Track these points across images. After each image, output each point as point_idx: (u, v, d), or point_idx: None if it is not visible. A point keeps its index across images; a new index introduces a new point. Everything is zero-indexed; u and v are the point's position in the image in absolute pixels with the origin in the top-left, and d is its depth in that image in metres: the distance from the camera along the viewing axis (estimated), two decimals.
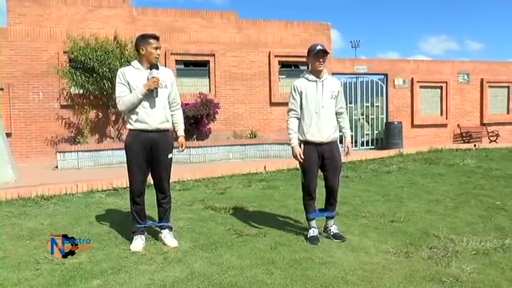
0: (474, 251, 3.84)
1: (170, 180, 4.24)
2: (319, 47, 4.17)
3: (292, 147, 4.23)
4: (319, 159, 4.20)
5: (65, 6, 12.56)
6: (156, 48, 3.96)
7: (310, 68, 4.30)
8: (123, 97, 3.95)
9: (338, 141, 4.37)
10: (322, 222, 4.45)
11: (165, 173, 4.13)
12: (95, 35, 11.73)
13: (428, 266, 3.51)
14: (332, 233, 4.29)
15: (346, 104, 4.70)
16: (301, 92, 4.20)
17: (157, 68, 3.96)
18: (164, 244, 4.05)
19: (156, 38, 3.99)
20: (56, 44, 11.95)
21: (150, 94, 3.91)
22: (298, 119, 4.24)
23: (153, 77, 3.88)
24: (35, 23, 12.25)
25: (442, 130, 15.97)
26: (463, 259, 3.63)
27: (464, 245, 3.98)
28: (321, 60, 4.16)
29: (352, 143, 4.68)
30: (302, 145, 4.21)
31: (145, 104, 3.93)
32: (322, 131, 4.15)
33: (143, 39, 3.97)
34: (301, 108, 4.21)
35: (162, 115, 4.00)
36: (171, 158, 4.14)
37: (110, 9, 12.91)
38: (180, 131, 4.29)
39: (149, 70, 3.95)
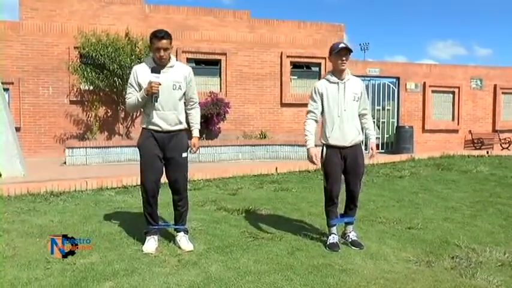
0: (499, 262, 3.71)
1: (186, 182, 4.09)
2: (342, 45, 3.99)
3: (307, 149, 4.07)
4: (342, 163, 4.07)
5: (77, 2, 12.54)
6: (159, 49, 3.72)
7: (332, 68, 4.13)
8: (128, 99, 3.91)
9: (362, 145, 4.23)
10: (339, 227, 4.32)
11: (180, 173, 3.97)
12: (107, 31, 11.67)
13: (453, 277, 3.38)
14: (350, 240, 4.16)
15: None
16: (322, 94, 4.05)
17: (158, 72, 3.75)
18: (179, 247, 3.93)
19: (160, 36, 3.70)
20: (67, 39, 11.90)
21: (162, 98, 3.79)
22: (317, 121, 4.11)
23: (150, 82, 3.70)
24: (47, 17, 12.22)
25: (453, 136, 15.77)
26: (488, 270, 3.50)
27: (488, 256, 3.85)
28: (344, 58, 3.97)
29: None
30: (325, 149, 4.08)
31: (158, 106, 3.80)
32: (345, 135, 4.01)
33: (151, 38, 3.77)
34: (323, 111, 4.07)
35: (175, 117, 3.87)
36: (186, 157, 3.99)
37: (122, 5, 12.86)
38: (195, 132, 4.12)
39: (150, 73, 3.77)
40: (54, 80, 11.91)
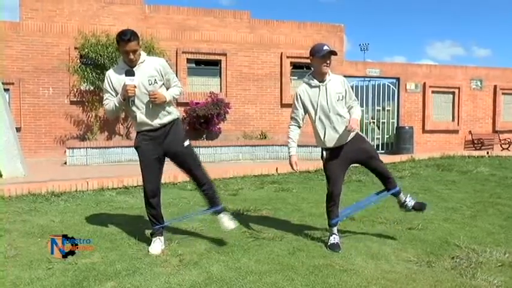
0: (499, 262, 3.70)
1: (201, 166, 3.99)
2: (326, 48, 3.87)
3: (289, 156, 4.07)
4: (349, 158, 4.04)
5: (77, 2, 12.54)
6: (127, 52, 3.59)
7: (313, 70, 4.03)
8: (105, 105, 3.85)
9: (361, 134, 4.18)
10: (341, 227, 4.33)
11: (192, 162, 3.92)
12: (106, 31, 11.66)
13: (453, 277, 3.38)
14: (411, 206, 4.24)
15: None
16: (303, 100, 3.98)
17: (131, 74, 3.63)
18: (221, 226, 3.96)
19: (126, 39, 3.55)
20: (67, 39, 11.92)
21: (141, 96, 3.71)
22: (299, 127, 4.08)
23: (125, 86, 3.62)
24: (47, 18, 12.22)
25: (453, 136, 15.79)
26: (488, 271, 3.50)
27: (488, 256, 3.84)
28: (328, 62, 3.87)
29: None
30: (324, 152, 4.07)
31: (140, 105, 3.74)
32: (339, 135, 3.96)
33: (117, 40, 3.63)
34: (310, 117, 4.03)
35: (161, 110, 3.78)
36: (189, 145, 3.93)
37: (122, 5, 12.86)
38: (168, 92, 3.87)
39: (125, 76, 3.66)
40: (55, 80, 11.93)
